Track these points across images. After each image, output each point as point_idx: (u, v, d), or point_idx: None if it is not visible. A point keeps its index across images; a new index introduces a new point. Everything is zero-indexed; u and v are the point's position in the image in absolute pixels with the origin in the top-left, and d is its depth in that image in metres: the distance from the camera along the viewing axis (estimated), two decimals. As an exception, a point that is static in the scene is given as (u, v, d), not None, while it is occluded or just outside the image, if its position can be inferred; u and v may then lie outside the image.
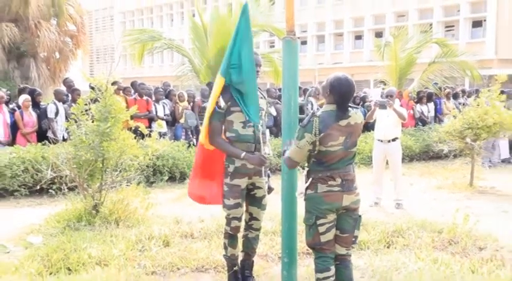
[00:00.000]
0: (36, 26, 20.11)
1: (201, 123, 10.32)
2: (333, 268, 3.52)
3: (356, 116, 3.49)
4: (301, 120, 3.65)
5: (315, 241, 3.50)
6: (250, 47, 3.91)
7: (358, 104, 12.81)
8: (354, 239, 3.60)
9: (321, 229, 3.45)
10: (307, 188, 3.50)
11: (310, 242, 3.56)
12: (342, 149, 3.43)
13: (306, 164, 3.61)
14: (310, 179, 3.49)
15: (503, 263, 4.74)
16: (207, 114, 4.07)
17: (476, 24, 32.18)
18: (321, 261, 3.51)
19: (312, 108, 10.86)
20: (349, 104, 3.47)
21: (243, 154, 3.92)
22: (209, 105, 4.11)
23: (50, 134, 9.43)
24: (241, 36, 3.90)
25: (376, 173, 7.47)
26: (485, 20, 31.34)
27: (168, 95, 11.25)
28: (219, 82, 4.01)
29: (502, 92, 9.31)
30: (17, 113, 9.49)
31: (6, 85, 15.40)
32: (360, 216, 3.60)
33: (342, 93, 3.40)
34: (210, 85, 11.47)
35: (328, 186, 3.43)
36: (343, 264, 3.59)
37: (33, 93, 10.01)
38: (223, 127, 4.10)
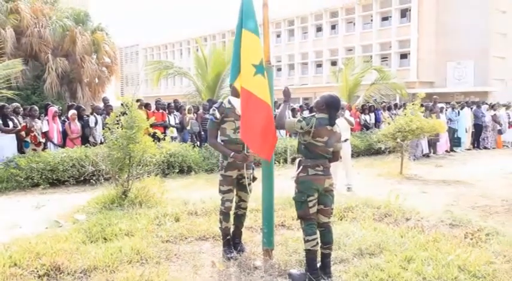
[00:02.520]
0: (81, 59, 20.13)
1: (203, 130, 10.35)
2: (318, 232, 3.57)
3: (337, 127, 3.64)
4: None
5: (305, 213, 3.53)
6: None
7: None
8: (331, 210, 3.68)
9: (310, 204, 3.51)
10: (299, 173, 3.54)
11: (301, 214, 3.56)
12: (324, 146, 3.53)
13: (296, 155, 3.73)
14: (302, 166, 3.55)
15: (422, 230, 4.77)
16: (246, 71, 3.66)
17: (403, 56, 32.68)
18: (309, 227, 3.54)
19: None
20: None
21: (232, 153, 3.88)
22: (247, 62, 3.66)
23: (91, 139, 9.38)
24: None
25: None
26: (409, 54, 31.87)
27: (179, 109, 11.14)
28: (249, 37, 3.65)
29: (422, 105, 9.43)
30: (67, 123, 9.46)
31: (59, 103, 15.28)
32: (334, 194, 3.70)
33: (333, 107, 3.56)
34: (209, 101, 11.40)
35: (315, 171, 3.52)
36: (327, 229, 3.65)
37: (78, 109, 9.92)
38: (218, 132, 4.05)
